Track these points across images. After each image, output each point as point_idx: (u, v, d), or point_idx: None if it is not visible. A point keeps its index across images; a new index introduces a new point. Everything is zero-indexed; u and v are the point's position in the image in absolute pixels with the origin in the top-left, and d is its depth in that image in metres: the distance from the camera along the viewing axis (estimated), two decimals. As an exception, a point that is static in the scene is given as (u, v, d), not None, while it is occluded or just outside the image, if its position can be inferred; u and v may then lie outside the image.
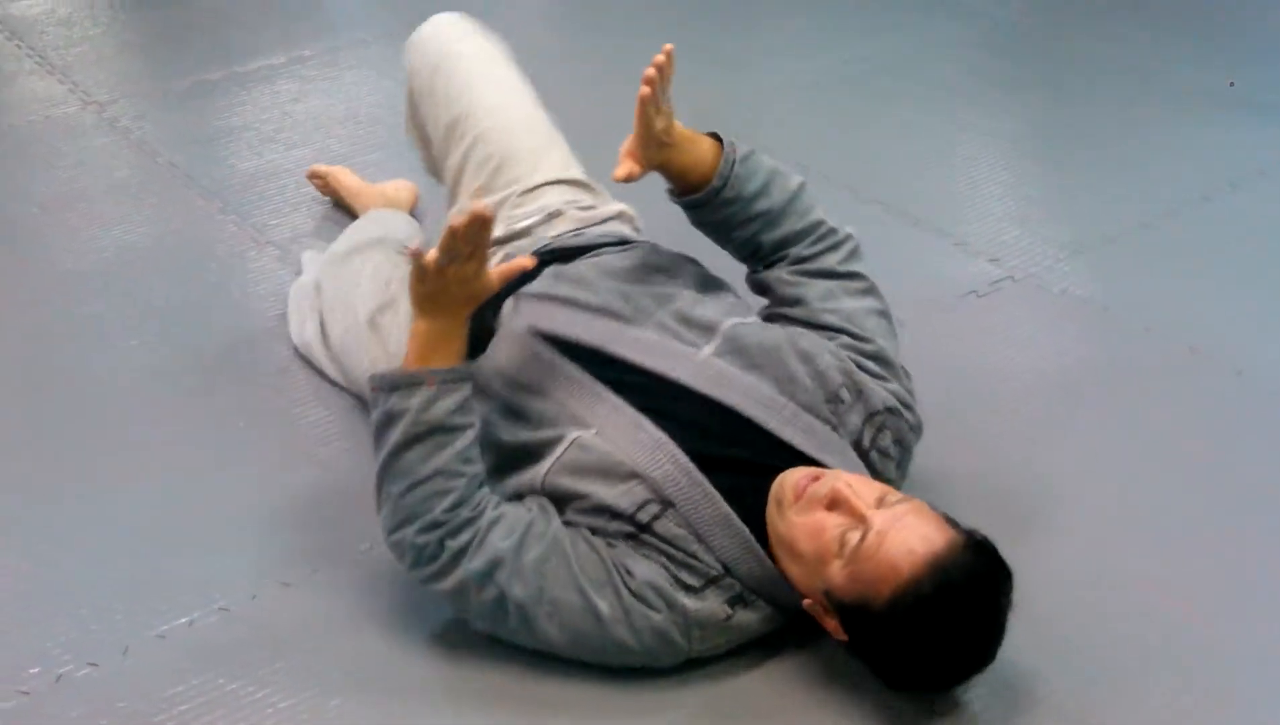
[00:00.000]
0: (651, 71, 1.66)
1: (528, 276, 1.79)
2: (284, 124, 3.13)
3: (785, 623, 1.69)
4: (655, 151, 1.74)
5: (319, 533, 1.92)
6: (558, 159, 2.12)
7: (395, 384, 1.63)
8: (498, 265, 1.68)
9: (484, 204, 1.58)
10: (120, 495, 2.01)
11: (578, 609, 1.61)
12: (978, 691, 1.68)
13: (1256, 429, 2.17)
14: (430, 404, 1.61)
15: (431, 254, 1.59)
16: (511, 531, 1.61)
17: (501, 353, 1.76)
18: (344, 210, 2.72)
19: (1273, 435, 2.16)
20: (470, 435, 1.64)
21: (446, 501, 1.60)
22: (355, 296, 2.09)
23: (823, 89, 3.37)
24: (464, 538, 1.60)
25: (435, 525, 1.61)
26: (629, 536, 1.62)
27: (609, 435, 1.65)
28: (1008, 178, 2.96)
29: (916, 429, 1.78)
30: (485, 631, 1.67)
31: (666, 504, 1.61)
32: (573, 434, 1.66)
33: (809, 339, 1.75)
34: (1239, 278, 2.58)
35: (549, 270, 1.83)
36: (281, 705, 1.66)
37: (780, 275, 1.85)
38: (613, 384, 1.69)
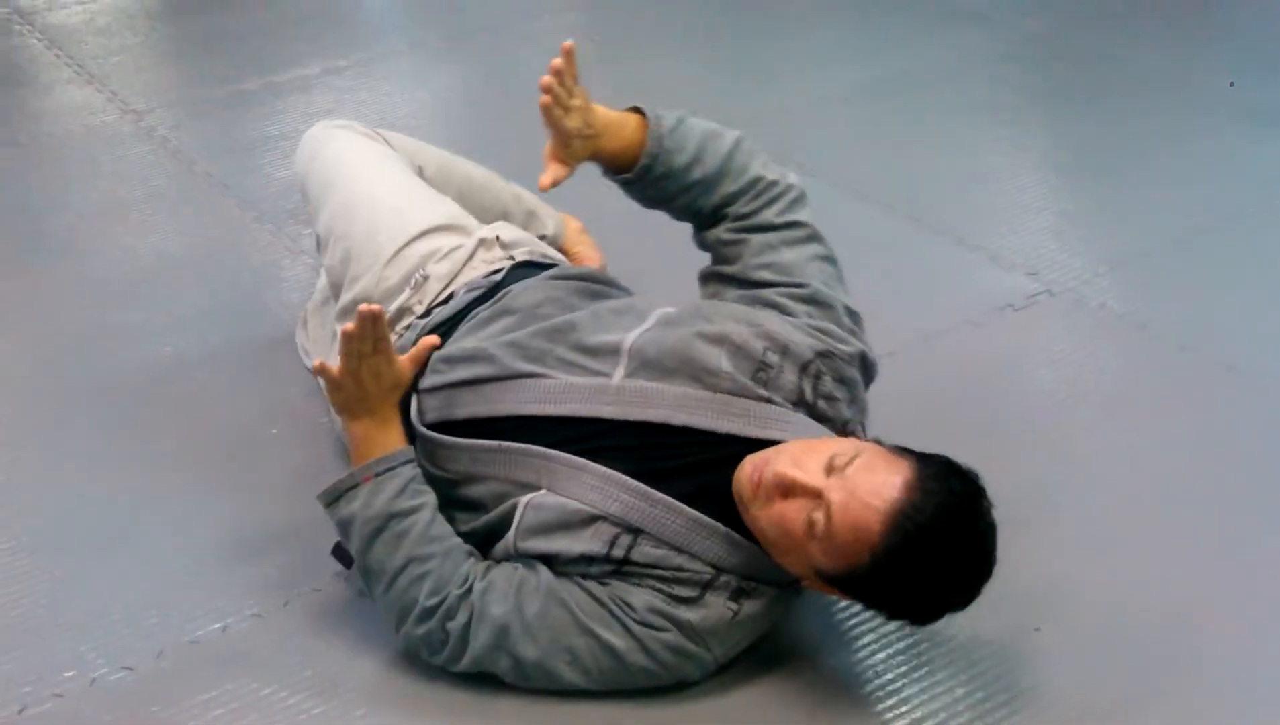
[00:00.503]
0: (547, 79, 1.64)
1: (419, 373, 1.78)
2: (321, 129, 3.14)
3: (797, 596, 1.68)
4: (579, 147, 1.72)
5: (352, 540, 1.92)
6: (411, 218, 1.99)
7: (336, 493, 1.67)
8: (409, 352, 1.69)
9: (373, 307, 1.60)
10: (155, 501, 2.02)
11: (594, 650, 1.61)
12: (997, 699, 1.67)
13: (1296, 447, 2.15)
14: (372, 500, 1.64)
15: (336, 365, 1.63)
16: (506, 595, 1.62)
17: (425, 458, 1.75)
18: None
19: (1313, 453, 2.14)
20: (427, 513, 1.65)
21: (426, 586, 1.62)
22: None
23: (854, 102, 3.36)
24: (462, 617, 1.62)
25: (428, 613, 1.62)
26: (614, 573, 1.62)
27: (558, 488, 1.64)
28: (1043, 191, 2.95)
29: (855, 359, 1.73)
30: (516, 685, 1.67)
31: (636, 532, 1.60)
32: (524, 499, 1.65)
33: (720, 313, 1.70)
34: (1277, 295, 2.55)
35: (435, 358, 1.78)
36: (315, 711, 1.66)
37: (719, 235, 1.82)
38: (543, 440, 1.66)
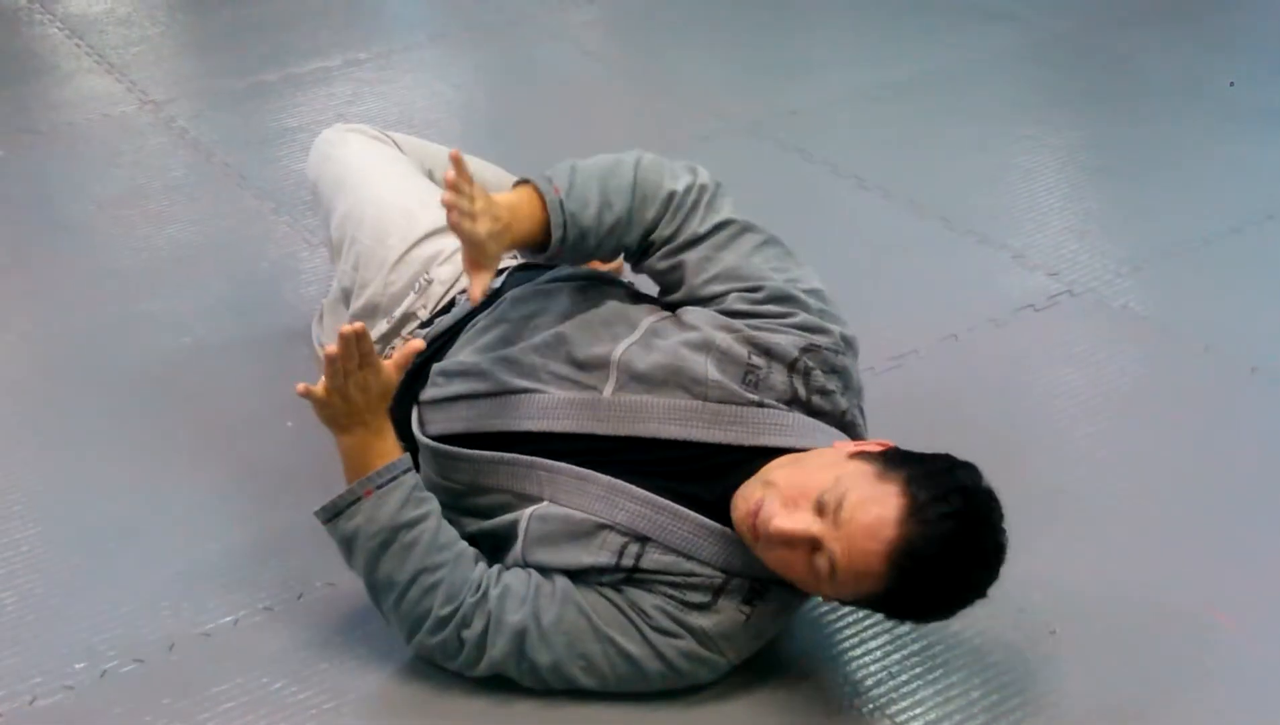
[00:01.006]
0: (448, 196, 1.56)
1: (420, 384, 1.76)
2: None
3: (809, 596, 1.65)
4: (495, 246, 1.62)
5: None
6: (417, 220, 1.99)
7: (336, 510, 1.63)
8: (393, 357, 1.64)
9: (354, 326, 1.57)
10: (170, 492, 2.02)
11: (610, 656, 1.61)
12: (1012, 703, 1.66)
13: (1320, 451, 2.13)
14: (376, 513, 1.61)
15: (320, 384, 1.60)
16: (523, 601, 1.61)
17: (429, 467, 1.74)
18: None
19: (1337, 458, 2.12)
20: (433, 521, 1.63)
21: (439, 596, 1.61)
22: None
23: (878, 100, 3.34)
24: (478, 625, 1.61)
25: (442, 622, 1.61)
26: (625, 581, 1.61)
27: (561, 499, 1.63)
28: (1066, 191, 2.92)
29: (840, 345, 1.67)
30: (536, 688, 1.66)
31: (643, 540, 1.59)
32: (528, 511, 1.64)
33: (701, 321, 1.65)
34: (1302, 297, 2.53)
35: (434, 371, 1.77)
36: (326, 706, 1.66)
37: (654, 266, 1.74)
38: (543, 452, 1.65)
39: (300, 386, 1.61)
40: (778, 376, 1.62)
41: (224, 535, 1.93)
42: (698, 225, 1.71)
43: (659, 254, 1.72)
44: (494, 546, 1.69)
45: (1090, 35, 3.71)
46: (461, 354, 1.76)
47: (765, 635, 1.66)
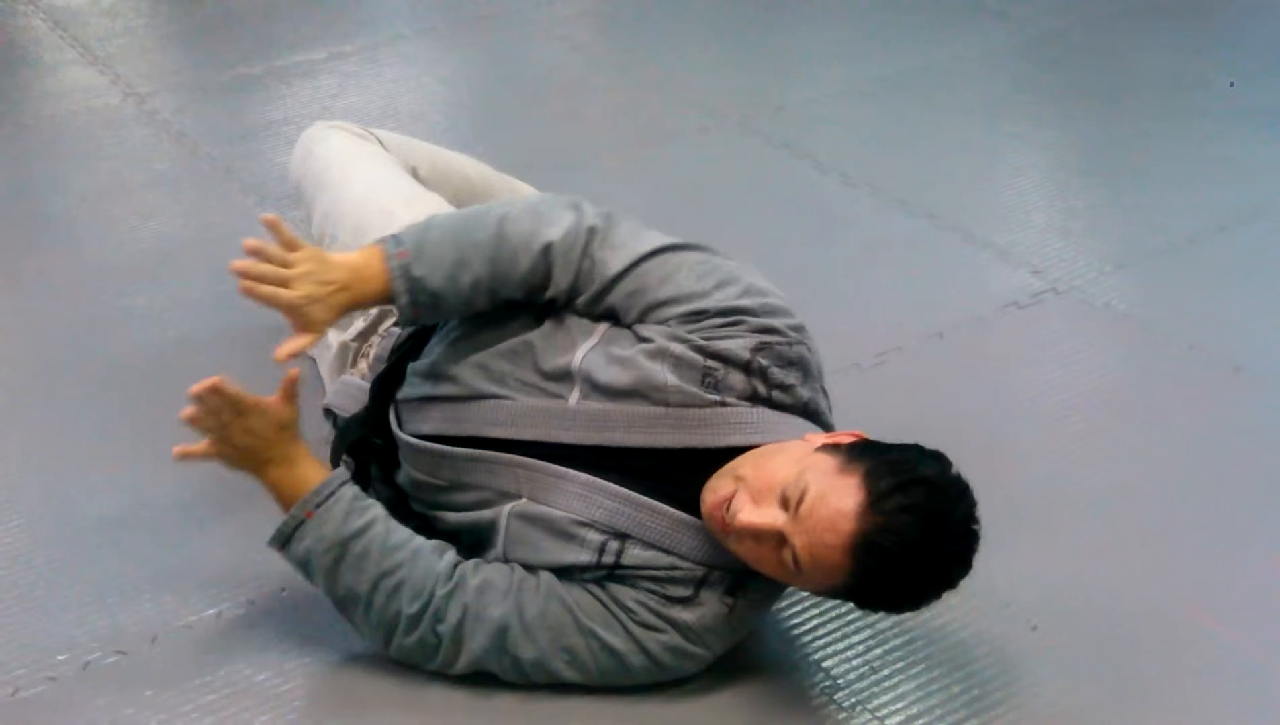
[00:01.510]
0: (241, 263, 1.57)
1: (396, 382, 1.75)
2: (323, 118, 3.12)
3: (788, 585, 1.65)
4: (320, 311, 1.61)
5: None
6: (396, 217, 1.93)
7: (283, 537, 1.64)
8: (279, 392, 1.64)
9: (206, 382, 1.58)
10: (152, 487, 2.01)
11: (593, 650, 1.61)
12: (994, 697, 1.66)
13: (1301, 449, 2.14)
14: (321, 531, 1.61)
15: (201, 444, 1.62)
16: (505, 595, 1.61)
17: (408, 463, 1.73)
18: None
19: (1318, 456, 2.13)
20: (380, 526, 1.63)
21: (405, 595, 1.61)
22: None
23: (866, 96, 3.35)
24: (453, 618, 1.61)
25: (414, 620, 1.61)
26: (608, 577, 1.61)
27: (539, 497, 1.62)
28: (1052, 189, 2.93)
29: (790, 336, 1.63)
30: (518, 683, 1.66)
31: (623, 537, 1.59)
32: (505, 509, 1.64)
33: (655, 332, 1.62)
34: (1285, 296, 2.54)
35: (410, 370, 1.75)
36: (310, 698, 1.66)
37: (582, 312, 1.68)
38: (516, 452, 1.65)
39: (176, 450, 1.62)
40: (735, 378, 1.60)
41: (207, 529, 1.93)
42: (604, 268, 1.64)
43: (580, 303, 1.67)
44: (475, 543, 1.69)
45: (1080, 33, 3.72)
46: (435, 353, 1.74)
47: (747, 626, 1.67)
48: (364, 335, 1.94)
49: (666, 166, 2.99)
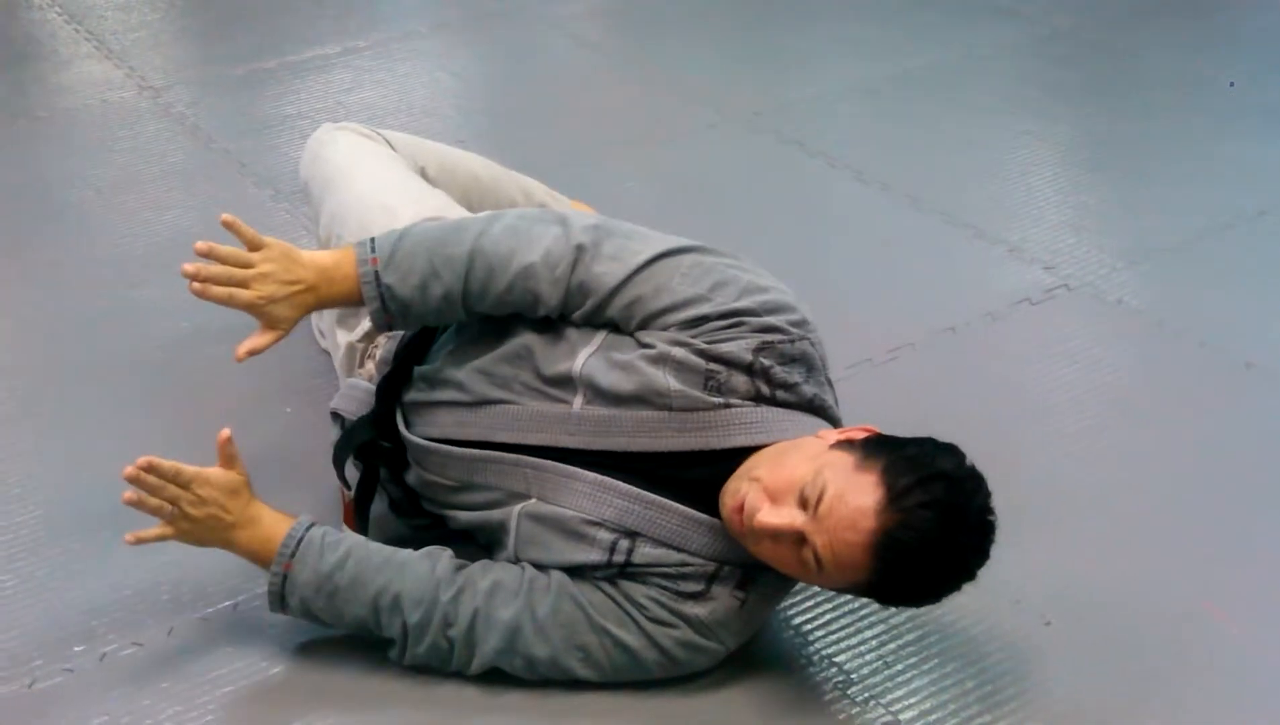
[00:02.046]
0: (190, 266, 1.60)
1: (402, 384, 1.75)
2: (337, 113, 3.14)
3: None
4: (283, 309, 1.63)
5: (364, 520, 1.92)
6: (401, 216, 1.92)
7: (276, 596, 1.66)
8: (220, 459, 1.66)
9: (130, 469, 1.59)
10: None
11: (607, 648, 1.61)
12: (1006, 693, 1.67)
13: (1313, 447, 2.14)
14: (303, 577, 1.63)
15: (154, 529, 1.63)
16: (516, 595, 1.61)
17: (418, 464, 1.74)
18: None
19: (1330, 453, 2.13)
20: (358, 551, 1.64)
21: (405, 606, 1.62)
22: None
23: (877, 93, 3.35)
24: (463, 621, 1.62)
25: (421, 628, 1.62)
26: (619, 575, 1.61)
27: (549, 497, 1.63)
28: (1064, 185, 2.93)
29: (792, 333, 1.61)
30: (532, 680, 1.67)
31: (633, 535, 1.59)
32: (515, 509, 1.64)
33: (655, 338, 1.61)
34: (1298, 294, 2.54)
35: (417, 374, 1.75)
36: (326, 691, 1.67)
37: (580, 325, 1.67)
38: (525, 453, 1.65)
39: (129, 536, 1.64)
40: (738, 380, 1.59)
41: (223, 520, 1.94)
42: (598, 283, 1.62)
43: (577, 318, 1.65)
44: (488, 543, 1.70)
45: (1091, 31, 3.72)
46: (439, 358, 1.74)
47: (760, 620, 1.67)
48: (370, 336, 1.95)
49: (676, 163, 3.00)
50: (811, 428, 1.61)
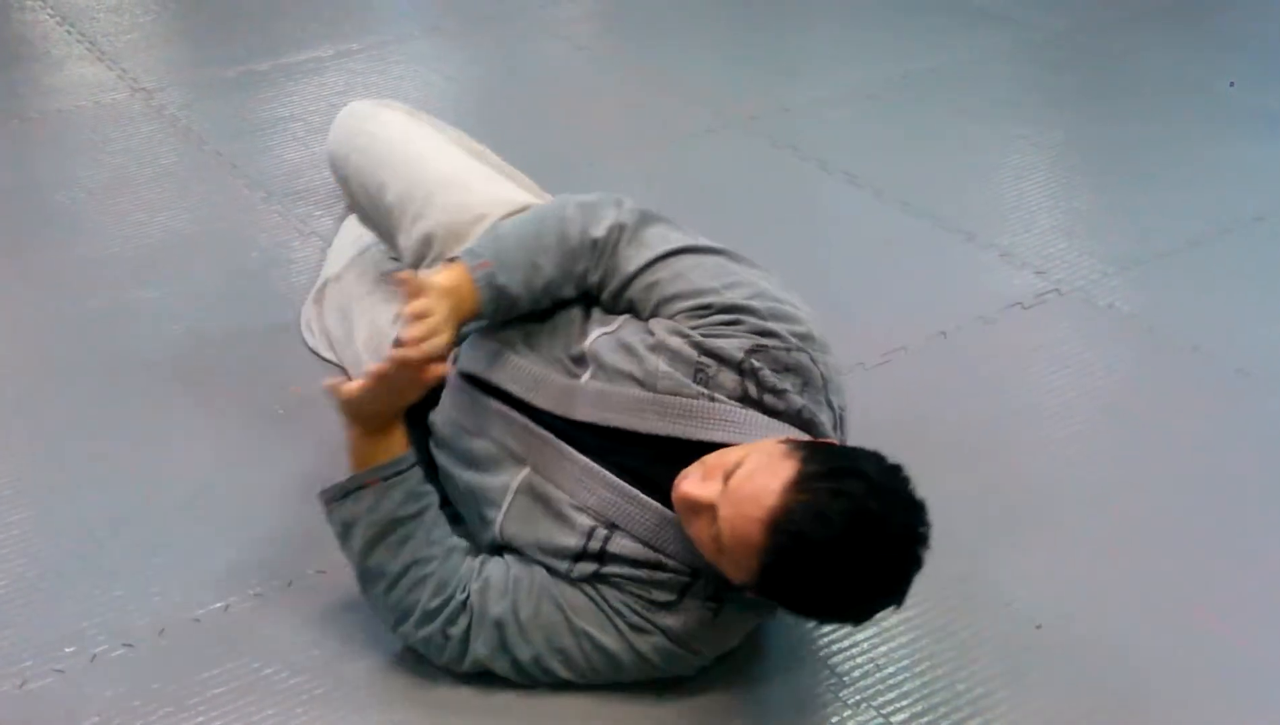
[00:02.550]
0: (407, 333, 1.59)
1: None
2: (330, 116, 3.08)
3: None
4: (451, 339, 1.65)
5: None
6: (500, 192, 2.03)
7: (343, 491, 1.65)
8: (428, 374, 1.64)
9: (408, 354, 1.57)
10: (161, 479, 2.02)
11: (585, 651, 1.62)
12: (998, 695, 1.67)
13: (1304, 451, 2.15)
14: (379, 503, 1.63)
15: (355, 385, 1.61)
16: (503, 593, 1.63)
17: (448, 398, 1.77)
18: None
19: (1320, 458, 2.13)
20: (430, 516, 1.66)
21: (429, 588, 1.63)
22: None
23: (871, 98, 3.35)
24: (463, 622, 1.63)
25: (429, 616, 1.63)
26: (595, 576, 1.61)
27: (543, 471, 1.65)
28: (1056, 190, 2.94)
29: (791, 343, 1.63)
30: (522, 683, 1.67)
31: (611, 526, 1.60)
32: (516, 478, 1.66)
33: (658, 327, 1.65)
34: (1288, 300, 2.55)
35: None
36: (316, 692, 1.67)
37: (606, 305, 1.75)
38: (533, 419, 1.68)
39: (328, 382, 1.63)
40: (727, 377, 1.61)
41: (214, 522, 1.94)
42: (626, 264, 1.71)
43: (605, 296, 1.74)
44: (479, 502, 1.71)
45: (1083, 36, 3.73)
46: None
47: (737, 632, 1.67)
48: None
49: (672, 167, 3.00)
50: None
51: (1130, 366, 2.36)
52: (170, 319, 2.39)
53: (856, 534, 1.38)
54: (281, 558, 1.86)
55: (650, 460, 1.61)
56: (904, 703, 1.68)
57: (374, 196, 2.09)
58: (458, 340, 1.75)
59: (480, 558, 1.68)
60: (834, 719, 1.66)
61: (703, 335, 1.62)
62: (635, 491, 1.60)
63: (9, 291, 2.50)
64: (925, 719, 1.66)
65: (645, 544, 1.60)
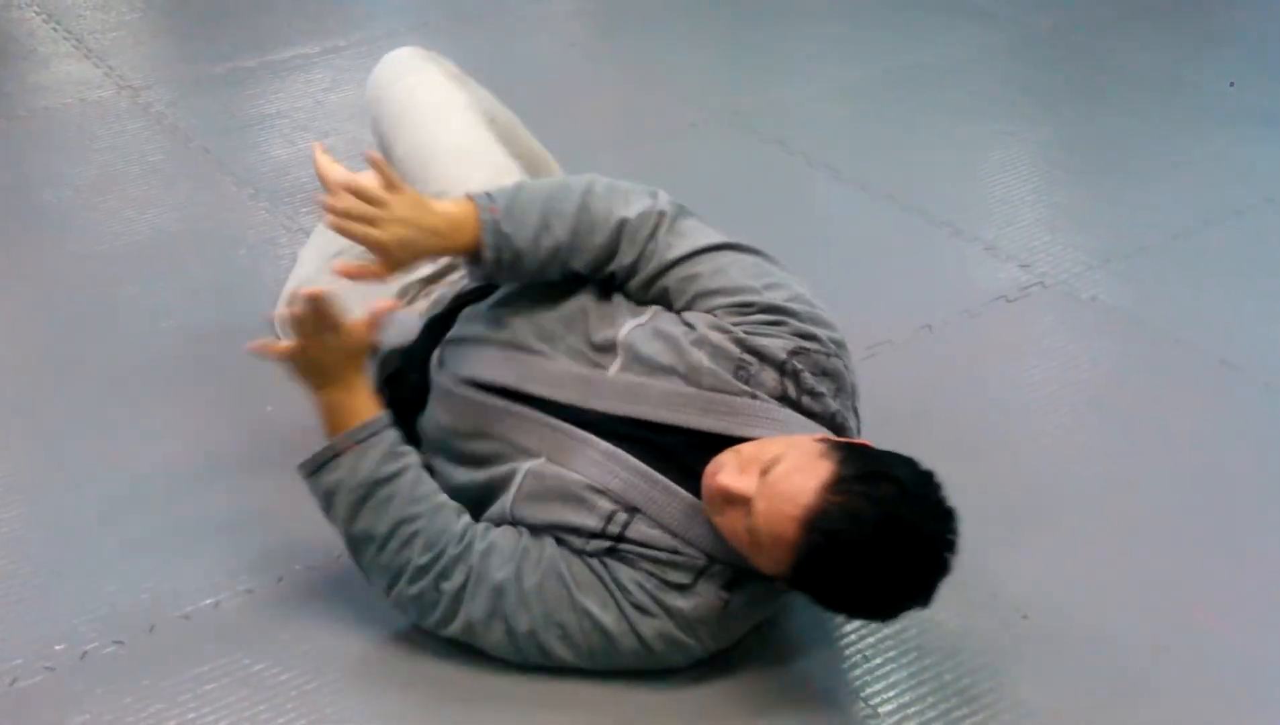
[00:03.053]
0: (325, 199, 1.62)
1: (447, 325, 1.79)
2: (317, 112, 3.15)
3: (789, 589, 1.63)
4: (406, 253, 1.64)
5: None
6: (479, 177, 1.97)
7: (318, 463, 1.65)
8: (365, 317, 1.66)
9: (313, 290, 1.59)
10: (150, 476, 2.02)
11: (585, 629, 1.62)
12: (984, 685, 1.68)
13: (1286, 442, 2.16)
14: (356, 467, 1.63)
15: (283, 345, 1.63)
16: (508, 559, 1.62)
17: (438, 406, 1.76)
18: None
19: (1303, 449, 2.15)
20: (411, 474, 1.65)
21: (418, 544, 1.62)
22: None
23: (857, 94, 3.36)
24: (458, 578, 1.62)
25: (421, 571, 1.63)
26: (609, 551, 1.62)
27: (558, 458, 1.64)
28: (1040, 184, 2.95)
29: (830, 348, 1.67)
30: (506, 659, 1.67)
31: (633, 510, 1.61)
32: (524, 466, 1.66)
33: (698, 321, 1.67)
34: (1272, 292, 2.56)
35: (463, 313, 1.80)
36: (307, 687, 1.67)
37: (635, 294, 1.74)
38: (546, 412, 1.67)
39: (254, 343, 1.64)
40: (768, 376, 1.63)
41: (204, 519, 1.94)
42: (666, 251, 1.71)
43: (635, 283, 1.73)
44: (480, 498, 1.71)
45: (1068, 33, 3.74)
46: (493, 300, 1.79)
47: (741, 626, 1.68)
48: (427, 281, 1.97)
49: (658, 162, 3.00)
50: None
51: (1114, 359, 2.38)
52: (158, 316, 2.40)
53: (887, 538, 1.43)
54: (271, 553, 1.87)
55: (681, 449, 1.62)
56: (891, 693, 1.69)
57: (386, 147, 2.11)
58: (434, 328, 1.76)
59: (485, 523, 1.67)
60: (822, 710, 1.67)
61: (745, 332, 1.64)
62: (661, 477, 1.61)
63: (-3, 290, 2.50)
64: (913, 709, 1.67)
65: (667, 530, 1.60)
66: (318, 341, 1.63)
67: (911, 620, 1.78)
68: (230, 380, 2.23)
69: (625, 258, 1.71)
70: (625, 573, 1.61)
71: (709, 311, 1.68)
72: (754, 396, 1.62)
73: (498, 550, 1.63)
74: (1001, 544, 1.88)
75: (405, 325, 1.86)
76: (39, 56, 3.49)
